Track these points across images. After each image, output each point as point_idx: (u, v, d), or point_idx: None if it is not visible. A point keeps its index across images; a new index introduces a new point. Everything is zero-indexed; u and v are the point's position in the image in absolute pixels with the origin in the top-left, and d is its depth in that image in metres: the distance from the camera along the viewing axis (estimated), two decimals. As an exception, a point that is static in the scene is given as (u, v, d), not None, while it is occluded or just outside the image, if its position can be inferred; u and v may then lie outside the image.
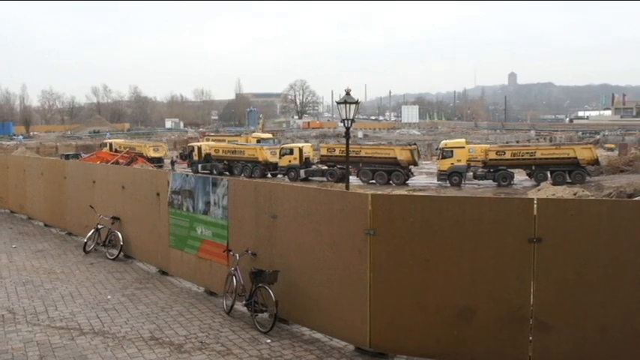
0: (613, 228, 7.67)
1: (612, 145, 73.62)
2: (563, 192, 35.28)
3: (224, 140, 69.52)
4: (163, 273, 14.11)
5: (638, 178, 42.26)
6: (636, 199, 25.86)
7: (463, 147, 49.35)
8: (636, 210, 7.92)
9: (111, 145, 68.64)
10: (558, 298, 7.95)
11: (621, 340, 7.72)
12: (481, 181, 48.26)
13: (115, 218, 15.98)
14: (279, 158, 54.02)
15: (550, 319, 7.98)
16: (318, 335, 9.82)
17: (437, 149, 55.95)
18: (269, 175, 54.88)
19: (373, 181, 49.51)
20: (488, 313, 8.24)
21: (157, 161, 61.68)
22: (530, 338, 8.09)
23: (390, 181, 49.01)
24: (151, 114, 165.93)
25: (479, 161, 48.27)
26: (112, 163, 47.88)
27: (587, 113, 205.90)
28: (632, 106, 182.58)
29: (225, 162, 57.52)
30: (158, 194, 13.96)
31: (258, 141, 67.35)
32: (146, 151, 63.63)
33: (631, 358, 7.68)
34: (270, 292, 9.88)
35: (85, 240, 16.62)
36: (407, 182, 49.17)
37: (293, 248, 10.10)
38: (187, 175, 13.53)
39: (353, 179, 48.84)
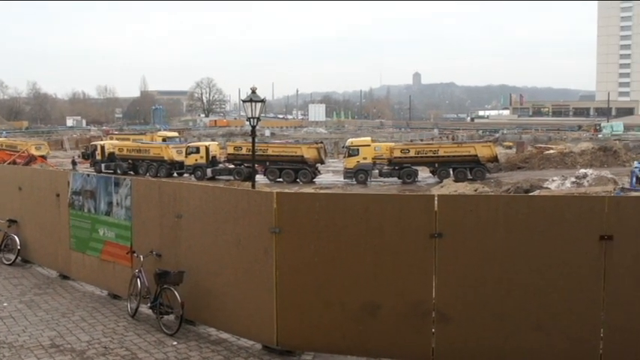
0: (509, 222, 8.03)
1: (510, 143, 76.45)
2: (465, 188, 36.52)
3: (128, 139, 67.82)
4: (64, 277, 13.65)
5: (534, 175, 44.27)
6: (532, 194, 27.04)
7: (369, 145, 50.14)
8: (530, 205, 8.35)
9: None
10: (459, 291, 8.25)
11: (517, 328, 8.11)
12: (386, 179, 49.19)
13: (11, 221, 15.31)
14: (186, 157, 53.20)
15: (451, 311, 8.27)
16: (225, 335, 9.77)
17: (343, 147, 56.67)
18: (175, 175, 54.00)
19: (280, 180, 49.59)
20: (392, 307, 8.43)
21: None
22: (433, 330, 8.35)
23: (297, 180, 49.23)
24: (51, 111, 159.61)
25: (384, 159, 49.21)
26: (9, 163, 45.95)
27: (487, 113, 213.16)
28: (529, 106, 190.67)
29: (129, 161, 56.18)
30: (58, 195, 13.49)
31: (164, 139, 66.08)
32: (28, 149, 61.01)
33: (526, 344, 8.08)
34: (176, 293, 9.74)
35: (-21, 245, 15.84)
36: (314, 180, 49.53)
37: (199, 248, 10.00)
38: (89, 175, 13.15)
39: (260, 178, 48.75)
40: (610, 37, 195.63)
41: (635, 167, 38.84)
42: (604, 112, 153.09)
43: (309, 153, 49.88)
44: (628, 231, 7.82)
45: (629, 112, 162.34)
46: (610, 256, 7.85)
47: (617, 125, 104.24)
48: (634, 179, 36.20)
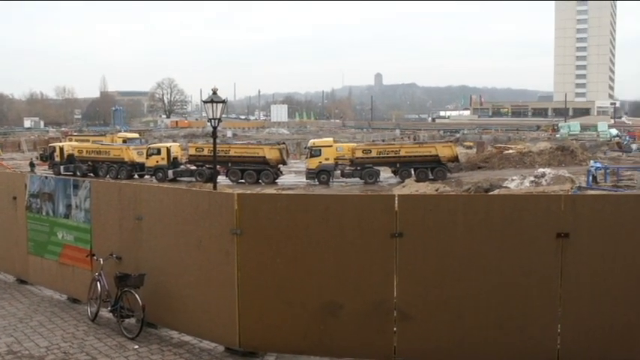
0: (468, 221, 8.15)
1: (470, 144, 77.38)
2: (426, 188, 36.85)
3: (88, 140, 66.87)
4: (22, 282, 13.40)
5: (494, 174, 44.88)
6: (492, 193, 27.42)
7: (331, 146, 50.28)
8: (489, 204, 8.51)
9: None
10: (419, 290, 8.33)
11: (477, 326, 8.22)
12: (348, 179, 49.34)
13: (-35, 225, 14.97)
14: (146, 158, 52.64)
15: (412, 310, 8.35)
16: (187, 338, 9.70)
17: (305, 148, 56.67)
18: (136, 176, 53.41)
19: (242, 181, 49.42)
20: (354, 307, 8.48)
21: None
22: (395, 329, 8.41)
23: (260, 181, 49.11)
24: (8, 112, 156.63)
25: (346, 159, 49.36)
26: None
27: (447, 113, 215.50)
28: (489, 106, 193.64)
29: (89, 163, 55.36)
30: (15, 198, 13.25)
31: (124, 141, 65.27)
32: None
33: (486, 341, 8.20)
34: (137, 296, 9.64)
35: None
36: (276, 181, 49.45)
37: (159, 250, 9.92)
38: (47, 178, 12.94)
39: (222, 179, 48.52)
40: (567, 39, 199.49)
41: (592, 166, 39.78)
42: (561, 113, 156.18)
43: (271, 154, 49.80)
44: (584, 229, 7.99)
45: (585, 112, 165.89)
46: (566, 254, 8.01)
47: (574, 125, 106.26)
48: (590, 178, 37.04)
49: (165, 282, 9.86)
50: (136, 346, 9.40)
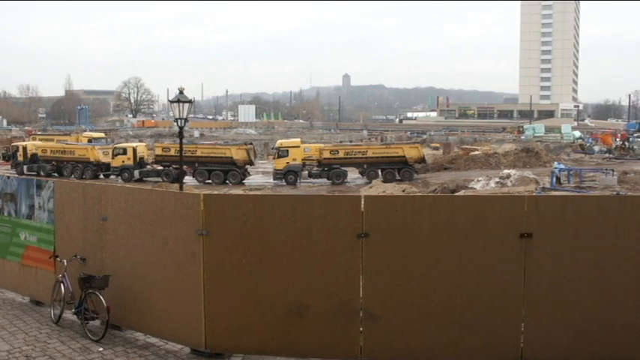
0: (433, 222, 8.25)
1: (437, 145, 77.85)
2: (393, 189, 36.97)
3: (52, 139, 65.78)
4: (-17, 284, 13.17)
5: (461, 175, 45.25)
6: (458, 194, 27.66)
7: (298, 146, 50.21)
8: (454, 204, 8.62)
9: None
10: (385, 290, 8.40)
11: (443, 325, 8.32)
12: (316, 180, 49.35)
13: None
14: (112, 158, 51.94)
15: (378, 310, 8.41)
16: (153, 340, 9.63)
17: (273, 149, 56.54)
18: (101, 176, 52.72)
19: (209, 181, 49.13)
20: (320, 307, 8.51)
21: None
22: (361, 329, 8.47)
23: (227, 181, 48.87)
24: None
25: (314, 160, 49.33)
26: None
27: (415, 114, 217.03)
28: (455, 108, 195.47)
29: (53, 163, 54.44)
30: (-25, 199, 13.00)
31: (90, 140, 64.43)
32: None
33: (451, 340, 8.31)
34: (101, 297, 9.55)
35: None
36: (243, 182, 49.24)
37: (124, 251, 9.83)
38: (9, 177, 12.73)
39: (189, 179, 48.19)
40: (532, 43, 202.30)
41: (556, 168, 40.37)
42: (526, 115, 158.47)
43: (238, 154, 49.58)
44: (546, 229, 8.15)
45: (549, 114, 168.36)
46: (530, 254, 8.16)
47: (539, 127, 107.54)
48: (554, 179, 37.58)
49: (130, 283, 9.77)
50: (101, 349, 9.30)
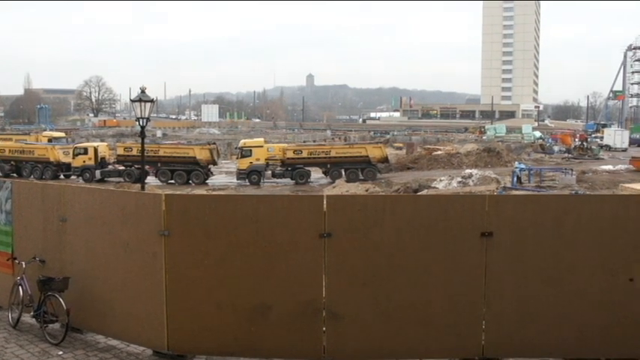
0: (395, 221, 8.31)
1: (400, 145, 78.40)
2: (356, 188, 37.15)
3: (11, 139, 64.52)
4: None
5: (423, 175, 45.66)
6: (420, 193, 27.91)
7: (262, 146, 50.18)
8: (416, 204, 8.72)
9: None
10: (348, 289, 8.43)
11: (405, 324, 8.40)
12: (279, 180, 49.35)
13: None
14: (73, 158, 51.22)
15: (341, 310, 8.43)
16: (114, 342, 9.51)
17: (236, 148, 56.41)
18: (62, 177, 51.94)
19: (172, 181, 48.79)
20: (283, 307, 8.49)
21: None
22: (324, 329, 8.47)
23: (190, 181, 48.59)
24: None
25: (277, 160, 49.38)
26: None
27: (378, 114, 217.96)
28: (418, 108, 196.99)
29: (12, 163, 53.47)
30: None
31: (50, 140, 63.37)
32: None
33: (414, 339, 8.40)
34: (61, 300, 9.39)
35: None
36: (206, 182, 49.02)
37: (85, 253, 9.70)
38: (-35, 179, 12.46)
39: (151, 179, 47.78)
40: (494, 44, 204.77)
41: (516, 167, 41.02)
42: (488, 115, 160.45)
43: (201, 154, 49.33)
44: (507, 227, 8.28)
45: (511, 115, 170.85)
46: (490, 252, 8.28)
47: (500, 128, 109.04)
48: (515, 179, 38.18)
49: (91, 285, 9.64)
50: (61, 352, 9.16)
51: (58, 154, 52.26)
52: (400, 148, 73.09)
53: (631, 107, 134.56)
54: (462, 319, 8.39)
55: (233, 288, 8.57)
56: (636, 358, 8.42)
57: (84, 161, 50.53)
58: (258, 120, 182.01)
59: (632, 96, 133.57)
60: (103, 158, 51.42)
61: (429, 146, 69.82)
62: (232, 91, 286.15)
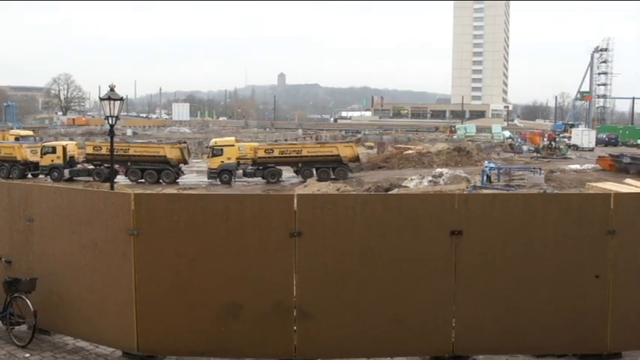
0: (366, 220, 8.34)
1: (372, 144, 78.72)
2: (328, 187, 37.26)
3: (-24, 138, 63.61)
4: None
5: (394, 174, 45.89)
6: (391, 192, 28.04)
7: (233, 145, 49.97)
8: (386, 203, 8.76)
9: None
10: (319, 288, 8.44)
11: (376, 322, 8.44)
12: (251, 179, 49.20)
13: None
14: (41, 157, 50.46)
15: (312, 309, 8.44)
16: (83, 344, 9.40)
17: (207, 147, 56.12)
18: (29, 176, 51.19)
19: (142, 181, 48.36)
20: (254, 307, 8.48)
21: None
22: (295, 328, 8.48)
23: (160, 180, 48.22)
24: None
25: (248, 159, 49.19)
26: None
27: (349, 114, 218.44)
28: (389, 108, 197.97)
29: (-22, 162, 52.63)
30: None
31: (17, 138, 62.40)
32: None
33: (385, 337, 8.44)
34: (28, 301, 9.24)
35: None
36: (177, 181, 48.69)
37: (52, 253, 9.56)
38: None
39: (121, 179, 47.32)
40: (464, 44, 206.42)
41: (486, 167, 41.44)
42: (459, 115, 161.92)
43: (172, 153, 48.98)
44: (476, 226, 8.38)
45: (481, 115, 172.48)
46: (460, 251, 8.37)
47: (470, 127, 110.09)
48: (485, 178, 38.55)
49: (58, 286, 9.51)
50: (27, 355, 9.02)
51: (26, 153, 51.48)
52: (371, 148, 73.34)
53: (598, 108, 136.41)
54: (433, 316, 8.47)
55: (203, 288, 8.52)
56: (602, 353, 8.57)
57: (52, 160, 49.85)
58: (224, 119, 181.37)
59: (598, 97, 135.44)
60: (71, 157, 50.77)
61: (400, 145, 70.20)
62: (203, 89, 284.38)
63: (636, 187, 29.06)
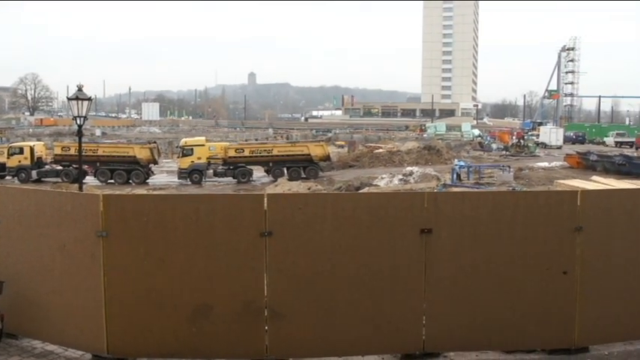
0: (337, 219, 8.36)
1: (342, 143, 78.81)
2: (298, 187, 37.23)
3: (-60, 139, 62.46)
4: None
5: (365, 173, 45.99)
6: (362, 191, 28.12)
7: (203, 145, 49.72)
8: (356, 201, 8.82)
9: None
10: (290, 288, 8.44)
11: (347, 321, 8.47)
12: (221, 179, 48.97)
13: None
14: (8, 158, 49.65)
15: (283, 308, 8.44)
16: (51, 347, 9.26)
17: (177, 147, 55.80)
18: (-4, 177, 50.44)
19: (112, 181, 47.89)
20: (225, 307, 8.45)
21: None
22: (266, 328, 8.46)
23: (130, 181, 47.78)
24: None
25: (219, 159, 48.97)
26: None
27: (320, 113, 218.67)
28: (360, 107, 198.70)
29: (-58, 163, 51.66)
30: None
31: (-17, 140, 61.54)
32: None
33: (357, 336, 8.48)
34: (-6, 305, 9.13)
35: None
36: (147, 181, 48.29)
37: (19, 255, 9.41)
38: None
39: (90, 179, 46.83)
40: (434, 44, 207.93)
41: (456, 165, 41.76)
42: (429, 114, 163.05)
43: (141, 153, 48.57)
44: (445, 224, 8.45)
45: (450, 113, 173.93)
46: (430, 249, 8.43)
47: (440, 126, 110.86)
48: (455, 176, 38.85)
49: (26, 289, 9.37)
50: (-6, 359, 8.91)
51: (-8, 155, 50.67)
52: (342, 147, 73.46)
53: (565, 106, 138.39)
54: (403, 314, 8.52)
55: (173, 288, 8.47)
56: (571, 347, 8.72)
57: (19, 161, 49.11)
58: (190, 118, 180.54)
59: (566, 95, 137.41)
60: (39, 158, 50.08)
61: (370, 144, 70.38)
62: (173, 89, 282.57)
63: (603, 184, 29.46)
